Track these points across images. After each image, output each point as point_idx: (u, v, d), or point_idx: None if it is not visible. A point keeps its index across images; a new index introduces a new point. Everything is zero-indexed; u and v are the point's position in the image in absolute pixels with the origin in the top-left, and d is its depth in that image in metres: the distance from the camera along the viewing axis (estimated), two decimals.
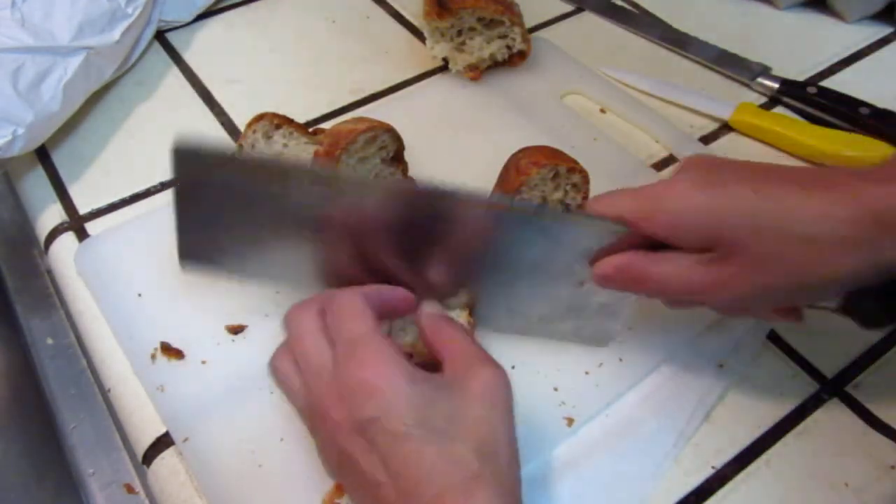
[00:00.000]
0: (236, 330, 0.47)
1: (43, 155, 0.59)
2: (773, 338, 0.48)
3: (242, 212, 0.39)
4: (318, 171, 0.38)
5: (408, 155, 0.52)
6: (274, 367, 0.39)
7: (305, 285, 0.43)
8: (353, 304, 0.37)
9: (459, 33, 0.62)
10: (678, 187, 0.36)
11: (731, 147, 0.60)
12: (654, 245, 0.38)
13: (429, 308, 0.41)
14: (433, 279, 0.41)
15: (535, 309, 0.44)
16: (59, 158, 0.59)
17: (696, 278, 0.36)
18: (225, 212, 0.39)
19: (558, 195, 0.48)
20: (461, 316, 0.43)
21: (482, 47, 0.62)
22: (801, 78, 0.64)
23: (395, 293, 0.41)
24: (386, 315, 0.40)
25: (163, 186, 0.57)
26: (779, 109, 0.63)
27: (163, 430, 0.44)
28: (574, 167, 0.47)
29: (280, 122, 0.53)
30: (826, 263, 0.34)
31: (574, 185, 0.48)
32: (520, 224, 0.39)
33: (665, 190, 0.37)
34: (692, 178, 0.36)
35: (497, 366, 0.36)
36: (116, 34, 0.59)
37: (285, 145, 0.53)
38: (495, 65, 0.64)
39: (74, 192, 0.56)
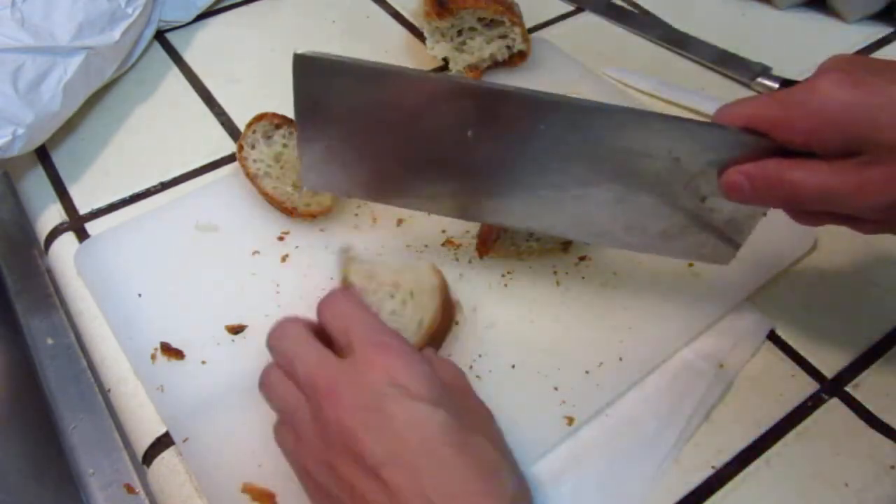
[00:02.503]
0: (236, 330, 0.47)
1: (43, 155, 0.59)
2: (773, 338, 0.48)
3: (352, 121, 0.39)
4: (416, 76, 0.37)
5: None
6: (265, 385, 0.39)
7: (400, 202, 0.44)
8: (351, 299, 0.39)
9: (459, 33, 0.62)
10: (821, 87, 0.33)
11: None
12: (785, 154, 0.35)
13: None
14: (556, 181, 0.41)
15: (655, 224, 0.42)
16: (59, 158, 0.59)
17: (841, 183, 0.34)
18: (339, 123, 0.39)
19: None
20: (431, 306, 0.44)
21: (482, 47, 0.62)
22: (801, 78, 0.64)
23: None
24: None
25: (163, 186, 0.57)
26: None
27: (163, 430, 0.44)
28: None
29: (280, 122, 0.54)
30: None
31: None
32: (643, 132, 0.38)
33: (806, 91, 0.34)
34: (836, 77, 0.33)
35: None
36: (116, 34, 0.59)
37: (285, 145, 0.53)
38: (495, 65, 0.64)
39: (74, 192, 0.56)
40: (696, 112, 0.62)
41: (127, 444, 0.54)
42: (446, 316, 0.45)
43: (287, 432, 0.37)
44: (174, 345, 0.46)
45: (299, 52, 0.36)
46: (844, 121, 0.33)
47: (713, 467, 0.42)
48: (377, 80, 0.37)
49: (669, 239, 0.43)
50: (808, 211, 0.38)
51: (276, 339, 0.38)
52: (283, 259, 0.51)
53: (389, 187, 0.42)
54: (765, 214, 0.41)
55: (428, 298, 0.44)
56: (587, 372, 0.45)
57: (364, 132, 0.39)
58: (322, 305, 0.39)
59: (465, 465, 0.32)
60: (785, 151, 0.36)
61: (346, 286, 0.44)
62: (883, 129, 0.32)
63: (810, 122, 0.34)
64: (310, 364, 0.36)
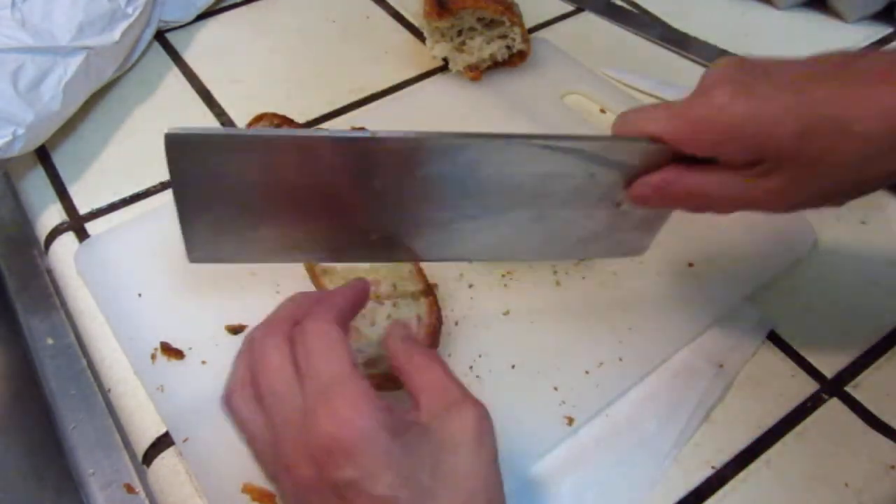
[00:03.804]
0: (236, 330, 0.47)
1: (43, 155, 0.59)
2: (773, 338, 0.48)
3: (237, 192, 0.37)
4: (295, 136, 0.36)
5: None
6: (231, 405, 0.34)
7: (304, 258, 0.42)
8: (326, 336, 0.33)
9: (459, 33, 0.62)
10: (717, 101, 0.33)
11: None
12: (692, 157, 0.36)
13: (396, 330, 0.37)
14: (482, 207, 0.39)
15: (574, 233, 0.42)
16: (59, 158, 0.59)
17: (746, 192, 0.35)
18: (222, 196, 0.37)
19: None
20: (423, 304, 0.42)
21: (482, 47, 0.62)
22: None
23: (355, 289, 0.38)
24: (352, 317, 0.37)
25: (163, 186, 0.57)
26: None
27: (163, 430, 0.44)
28: None
29: (280, 122, 0.54)
30: (885, 159, 0.32)
31: None
32: (558, 156, 0.37)
33: (703, 106, 0.34)
34: (731, 89, 0.33)
35: (476, 402, 0.33)
36: (116, 34, 0.59)
37: None
38: (495, 65, 0.64)
39: (74, 192, 0.56)
40: None
41: (127, 444, 0.54)
42: (436, 302, 0.45)
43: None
44: (174, 345, 0.46)
45: (170, 131, 0.35)
46: (743, 134, 0.33)
47: (713, 467, 0.42)
48: (259, 147, 0.35)
49: (587, 243, 0.43)
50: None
51: (258, 364, 0.34)
52: None
53: (289, 248, 0.40)
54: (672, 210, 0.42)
55: (414, 288, 0.45)
56: (587, 372, 0.45)
57: (252, 199, 0.38)
58: (297, 330, 0.34)
59: None
60: (688, 156, 0.36)
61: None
62: (780, 140, 0.33)
63: (711, 136, 0.34)
64: (279, 409, 0.32)
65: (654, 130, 0.36)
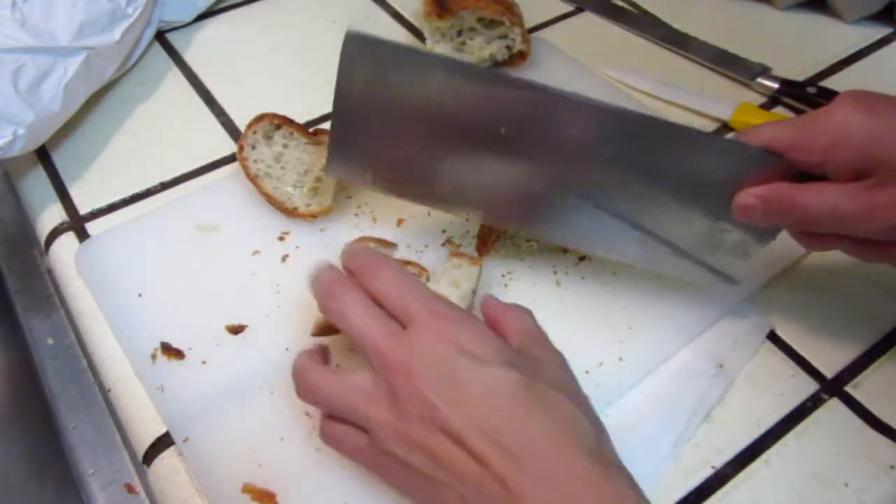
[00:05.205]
0: (236, 330, 0.47)
1: (43, 155, 0.59)
2: (773, 338, 0.48)
3: (411, 118, 0.38)
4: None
5: None
6: (310, 386, 0.38)
7: (456, 208, 0.43)
8: (396, 272, 0.38)
9: (459, 33, 0.62)
10: (839, 111, 0.36)
11: None
12: (800, 179, 0.38)
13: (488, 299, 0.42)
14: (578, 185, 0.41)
15: (665, 239, 0.43)
16: (59, 158, 0.59)
17: (849, 205, 0.36)
18: (391, 117, 0.38)
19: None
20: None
21: (482, 47, 0.62)
22: (801, 78, 0.64)
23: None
24: None
25: (163, 186, 0.57)
26: (779, 109, 0.63)
27: (163, 430, 0.44)
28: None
29: (280, 122, 0.54)
30: None
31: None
32: (667, 139, 0.39)
33: (822, 114, 0.37)
34: (852, 103, 0.36)
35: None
36: (117, 34, 0.59)
37: (286, 146, 0.53)
38: (495, 65, 0.64)
39: (74, 192, 0.56)
40: (696, 112, 0.62)
41: (127, 444, 0.54)
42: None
43: (347, 429, 0.37)
44: (174, 345, 0.46)
45: (352, 31, 0.35)
46: (858, 142, 0.35)
47: (713, 467, 0.42)
48: (429, 68, 0.36)
49: (678, 256, 0.44)
50: (816, 233, 0.41)
51: (340, 313, 0.37)
52: (283, 259, 0.51)
53: (413, 180, 0.41)
54: (773, 238, 0.43)
55: None
56: (587, 372, 0.45)
57: (400, 121, 0.38)
58: (369, 275, 0.38)
59: (542, 419, 0.33)
60: (797, 178, 0.38)
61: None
62: (887, 154, 0.34)
63: (825, 141, 0.36)
64: (378, 339, 0.36)
65: (769, 136, 0.38)
